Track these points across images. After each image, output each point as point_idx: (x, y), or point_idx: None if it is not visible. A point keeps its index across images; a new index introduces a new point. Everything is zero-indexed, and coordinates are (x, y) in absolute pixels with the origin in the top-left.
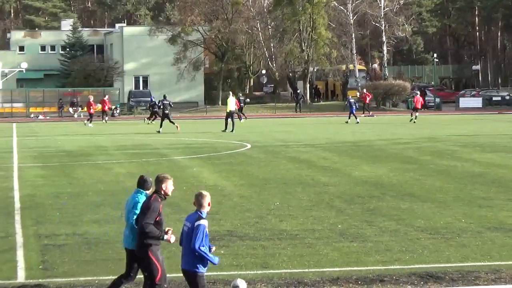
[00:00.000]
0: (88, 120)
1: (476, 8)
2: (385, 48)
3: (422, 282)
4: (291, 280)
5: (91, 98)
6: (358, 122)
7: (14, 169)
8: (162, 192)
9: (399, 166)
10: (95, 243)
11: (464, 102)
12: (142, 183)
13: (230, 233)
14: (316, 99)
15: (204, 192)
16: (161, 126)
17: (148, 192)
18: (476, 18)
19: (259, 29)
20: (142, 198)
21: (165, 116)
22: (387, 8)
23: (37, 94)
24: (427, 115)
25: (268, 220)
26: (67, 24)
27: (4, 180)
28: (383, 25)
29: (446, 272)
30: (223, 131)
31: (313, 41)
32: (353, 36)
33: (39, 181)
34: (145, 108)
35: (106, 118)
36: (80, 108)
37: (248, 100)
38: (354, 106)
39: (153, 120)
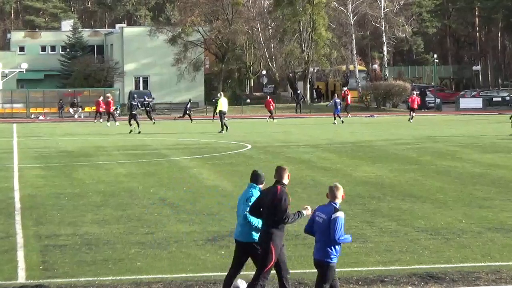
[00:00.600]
0: (107, 120)
1: (476, 8)
2: (385, 48)
3: (422, 283)
4: (292, 280)
5: (110, 97)
6: (342, 122)
7: (14, 170)
8: (286, 182)
9: (399, 166)
10: (95, 243)
11: (464, 102)
12: (255, 178)
13: (231, 233)
14: (316, 100)
15: (338, 185)
16: (130, 124)
17: (261, 186)
18: (476, 19)
19: (259, 30)
20: (256, 193)
21: (131, 117)
22: (387, 9)
23: (37, 94)
24: (428, 115)
25: None
26: (67, 25)
27: (4, 181)
28: (383, 25)
29: (447, 273)
30: (218, 131)
31: (313, 42)
32: (353, 36)
33: (40, 182)
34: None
35: (101, 120)
36: (80, 109)
37: (248, 100)
38: (339, 107)
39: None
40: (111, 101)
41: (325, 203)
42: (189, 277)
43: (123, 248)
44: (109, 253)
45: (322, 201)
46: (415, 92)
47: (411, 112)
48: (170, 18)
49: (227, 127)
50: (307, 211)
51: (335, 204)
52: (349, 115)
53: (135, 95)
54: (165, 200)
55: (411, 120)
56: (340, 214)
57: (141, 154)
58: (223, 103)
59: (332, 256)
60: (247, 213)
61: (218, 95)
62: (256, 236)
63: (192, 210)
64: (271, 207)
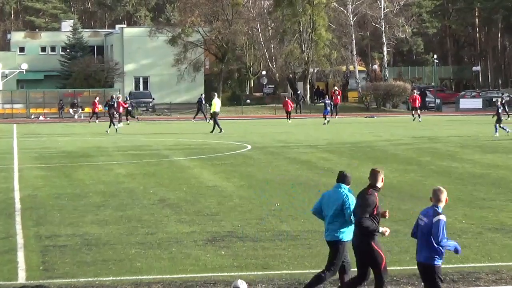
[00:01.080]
0: (118, 121)
1: (476, 9)
2: (385, 49)
3: (422, 284)
4: (292, 281)
5: (119, 98)
6: (326, 123)
7: (14, 170)
8: (379, 185)
9: (399, 167)
10: (96, 244)
11: (465, 103)
12: (343, 178)
13: (231, 234)
14: (316, 100)
15: (442, 188)
16: (110, 125)
17: (348, 187)
18: (476, 19)
19: (259, 30)
20: (347, 192)
21: (111, 116)
22: (387, 9)
23: (37, 95)
24: (428, 116)
25: (269, 221)
26: (67, 25)
27: (4, 181)
28: (383, 26)
29: (447, 273)
30: (217, 132)
31: (313, 42)
32: (353, 37)
33: (40, 182)
34: (145, 109)
35: (97, 120)
36: (80, 109)
37: (248, 101)
38: (328, 108)
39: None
40: (121, 102)
41: (428, 206)
42: (189, 277)
43: (123, 248)
44: (109, 253)
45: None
46: (415, 91)
47: (414, 112)
48: (170, 19)
49: (219, 129)
50: (385, 232)
51: (438, 207)
52: (336, 116)
53: (113, 95)
54: (165, 200)
55: (419, 119)
56: (441, 217)
57: (141, 155)
58: (217, 104)
59: (435, 258)
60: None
61: (212, 96)
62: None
63: (192, 210)
64: (357, 207)
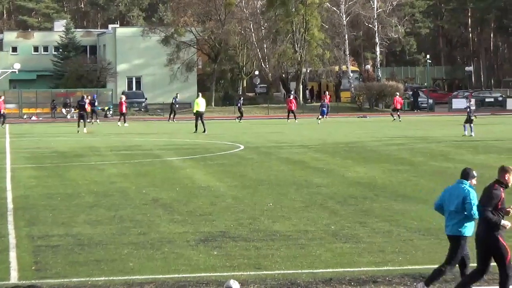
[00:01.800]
0: (118, 120)
1: (469, 9)
2: (378, 49)
3: (415, 283)
4: (284, 281)
5: (123, 98)
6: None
7: (7, 170)
8: (504, 182)
9: (392, 167)
10: (88, 244)
11: (457, 103)
12: (466, 175)
13: (223, 234)
14: (309, 100)
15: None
16: (78, 126)
17: (470, 182)
18: (469, 19)
19: (252, 30)
20: (469, 189)
21: (80, 117)
22: (380, 9)
23: (30, 95)
24: (420, 116)
25: (261, 221)
26: (60, 25)
27: None
28: (376, 26)
29: None
30: (193, 131)
31: (306, 42)
32: (346, 37)
33: (32, 182)
34: (138, 109)
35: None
36: (73, 109)
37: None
38: (324, 109)
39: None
40: (124, 102)
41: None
42: (182, 277)
43: (116, 248)
44: (102, 253)
45: (315, 202)
46: (398, 93)
47: (395, 113)
48: (163, 19)
49: (200, 129)
50: (506, 226)
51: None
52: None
53: (84, 96)
54: (158, 200)
55: (400, 120)
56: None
57: (133, 155)
58: (200, 104)
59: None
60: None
61: (196, 95)
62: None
63: (185, 210)
64: (482, 200)
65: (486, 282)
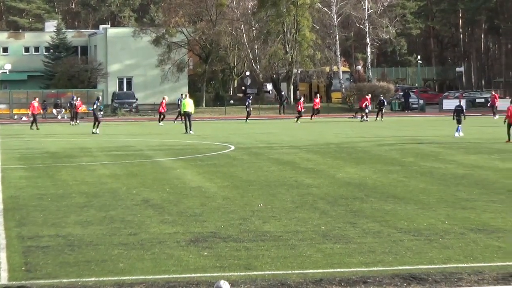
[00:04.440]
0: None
1: (460, 10)
2: (369, 50)
3: (405, 284)
4: (275, 281)
5: (166, 99)
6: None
7: None
8: None
9: (382, 167)
10: (78, 244)
11: (448, 103)
12: None
13: (214, 234)
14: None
15: None
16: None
17: None
18: (460, 20)
19: (243, 31)
20: None
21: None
22: (371, 10)
23: (20, 95)
24: (411, 116)
25: (252, 222)
26: (51, 26)
27: None
28: (367, 27)
29: (429, 274)
30: (183, 132)
31: (297, 43)
32: (337, 38)
33: (23, 183)
34: (128, 110)
35: (78, 121)
36: (64, 110)
37: (232, 101)
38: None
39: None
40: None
41: None
42: (172, 278)
43: (106, 249)
44: (92, 254)
45: (305, 203)
46: (369, 95)
47: (361, 113)
48: (154, 19)
49: (187, 129)
50: None
51: None
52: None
53: (74, 96)
54: (149, 201)
55: (366, 119)
56: None
57: (124, 155)
58: (187, 104)
59: None
60: None
61: (183, 96)
62: None
63: (175, 211)
64: None
65: (476, 283)
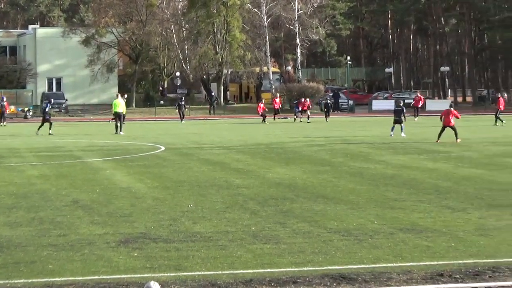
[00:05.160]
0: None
1: (389, 11)
2: (299, 50)
3: (335, 284)
4: (205, 282)
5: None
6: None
7: None
8: None
9: (312, 168)
10: (7, 246)
11: (377, 104)
12: None
13: (144, 235)
14: (229, 101)
15: None
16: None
17: None
18: (389, 21)
19: (174, 31)
20: None
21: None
22: (301, 11)
23: None
24: (341, 117)
25: (182, 222)
26: None
27: None
28: (297, 27)
29: (359, 273)
30: (115, 133)
31: (227, 44)
32: (267, 38)
33: None
34: (58, 110)
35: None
36: None
37: (162, 102)
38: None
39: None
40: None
41: None
42: (102, 279)
43: (35, 250)
44: (21, 255)
45: (236, 203)
46: (278, 95)
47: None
48: (84, 19)
49: (118, 129)
50: None
51: None
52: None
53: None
54: (78, 202)
55: (301, 120)
56: None
57: (54, 156)
58: (118, 105)
59: None
60: None
61: (117, 96)
62: None
63: (105, 212)
64: None
65: (405, 282)
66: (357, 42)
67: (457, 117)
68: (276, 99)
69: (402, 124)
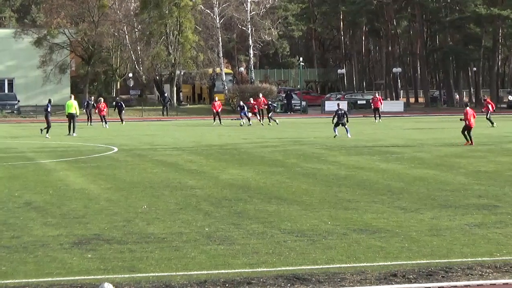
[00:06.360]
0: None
1: (341, 12)
2: (251, 51)
3: (289, 284)
4: (159, 283)
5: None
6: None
7: None
8: None
9: (266, 169)
10: None
11: (330, 105)
12: None
13: (97, 236)
14: (182, 102)
15: None
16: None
17: None
18: (341, 23)
19: (126, 32)
20: None
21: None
22: (254, 12)
23: None
24: (293, 118)
25: (136, 224)
26: None
27: None
28: (250, 28)
29: (313, 274)
30: (67, 134)
31: (180, 45)
32: (220, 39)
33: None
34: (10, 111)
35: None
36: None
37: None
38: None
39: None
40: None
41: None
42: (56, 281)
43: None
44: None
45: (189, 204)
46: (217, 98)
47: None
48: (36, 20)
49: (70, 131)
50: None
51: None
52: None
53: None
54: (31, 203)
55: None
56: None
57: (6, 157)
58: (72, 106)
59: None
60: None
61: (70, 97)
62: None
63: (58, 213)
64: None
65: (359, 282)
66: (310, 43)
67: (474, 117)
68: (215, 102)
69: (346, 126)
